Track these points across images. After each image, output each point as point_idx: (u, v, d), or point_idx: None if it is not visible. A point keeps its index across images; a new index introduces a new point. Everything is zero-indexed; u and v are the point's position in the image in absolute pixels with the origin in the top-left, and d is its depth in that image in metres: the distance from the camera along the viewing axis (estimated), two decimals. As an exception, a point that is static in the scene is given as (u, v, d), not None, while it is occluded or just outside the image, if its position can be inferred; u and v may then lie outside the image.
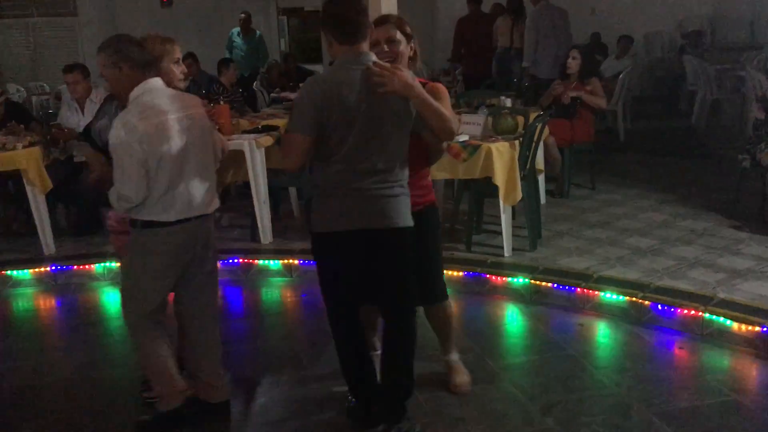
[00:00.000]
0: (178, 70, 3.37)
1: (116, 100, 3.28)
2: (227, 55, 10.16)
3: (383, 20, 3.37)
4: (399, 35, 3.28)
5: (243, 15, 10.85)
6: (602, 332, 4.29)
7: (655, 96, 11.90)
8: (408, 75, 2.94)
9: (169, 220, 3.08)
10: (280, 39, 14.41)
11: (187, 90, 8.95)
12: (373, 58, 2.95)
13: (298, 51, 15.15)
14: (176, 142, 3.04)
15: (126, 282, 3.31)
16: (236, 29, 10.82)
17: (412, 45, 3.36)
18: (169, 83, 3.23)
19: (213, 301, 3.42)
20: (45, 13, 13.09)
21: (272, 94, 10.13)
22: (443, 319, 3.59)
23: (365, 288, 3.16)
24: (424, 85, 3.09)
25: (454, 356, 3.67)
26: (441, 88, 3.29)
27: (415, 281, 3.17)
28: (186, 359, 3.44)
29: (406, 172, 3.06)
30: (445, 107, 3.11)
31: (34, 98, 11.59)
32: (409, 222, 3.05)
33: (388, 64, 2.97)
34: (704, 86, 9.58)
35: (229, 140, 5.66)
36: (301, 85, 10.50)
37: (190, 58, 8.57)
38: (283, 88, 10.31)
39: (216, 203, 3.32)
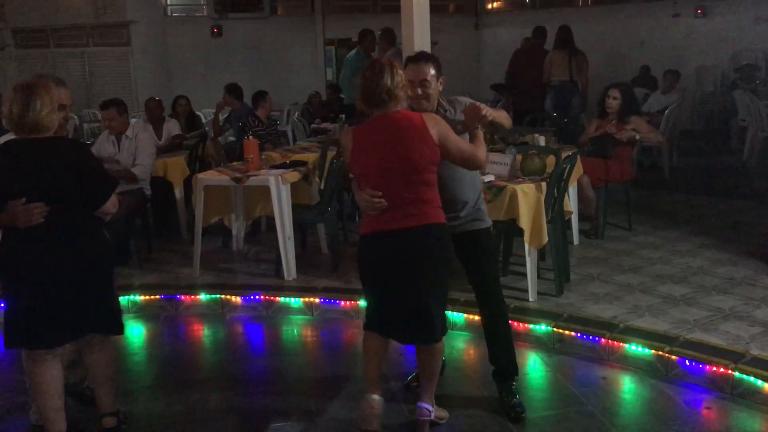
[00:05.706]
0: None
1: None
2: (344, 83, 8.95)
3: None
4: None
5: (366, 30, 8.98)
6: (626, 387, 4.09)
7: (705, 131, 11.57)
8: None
9: None
10: (326, 69, 14.55)
11: (226, 122, 9.14)
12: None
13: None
14: None
15: None
16: (354, 51, 9.18)
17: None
18: None
19: None
20: (100, 43, 13.52)
21: (312, 125, 10.09)
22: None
23: None
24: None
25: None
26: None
27: None
28: None
29: None
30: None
31: (85, 125, 11.94)
32: None
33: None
34: (755, 123, 9.23)
35: (256, 175, 5.72)
36: (341, 116, 10.18)
37: (233, 91, 8.65)
38: (323, 119, 10.22)
39: None
